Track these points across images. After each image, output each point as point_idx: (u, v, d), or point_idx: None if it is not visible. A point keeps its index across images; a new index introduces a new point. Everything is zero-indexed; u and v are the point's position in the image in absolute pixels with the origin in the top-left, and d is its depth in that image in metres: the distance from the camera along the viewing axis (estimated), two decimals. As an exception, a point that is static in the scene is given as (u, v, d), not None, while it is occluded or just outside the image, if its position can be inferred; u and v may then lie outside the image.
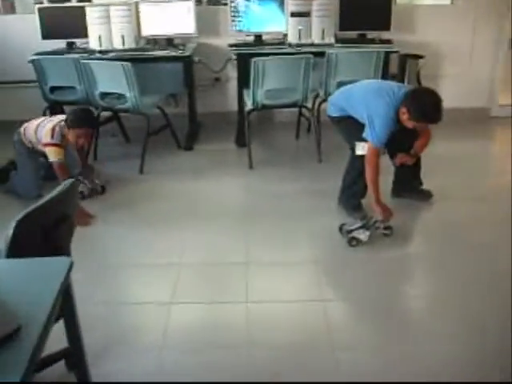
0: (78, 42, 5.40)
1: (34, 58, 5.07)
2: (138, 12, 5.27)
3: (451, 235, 3.71)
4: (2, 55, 5.61)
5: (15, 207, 4.13)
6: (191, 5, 5.26)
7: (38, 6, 5.39)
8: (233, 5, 5.23)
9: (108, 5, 5.13)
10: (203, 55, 5.54)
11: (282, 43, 5.24)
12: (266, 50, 5.09)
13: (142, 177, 4.80)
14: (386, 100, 3.56)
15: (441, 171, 4.64)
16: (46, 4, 5.50)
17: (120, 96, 4.84)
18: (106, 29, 5.16)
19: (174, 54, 5.10)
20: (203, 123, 5.86)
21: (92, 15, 5.13)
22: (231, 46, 5.25)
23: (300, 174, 4.69)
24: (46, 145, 4.15)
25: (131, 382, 2.53)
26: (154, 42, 5.46)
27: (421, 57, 5.56)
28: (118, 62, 4.66)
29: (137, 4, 5.26)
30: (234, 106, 5.49)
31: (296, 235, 3.74)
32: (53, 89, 5.21)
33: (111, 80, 4.76)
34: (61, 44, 5.45)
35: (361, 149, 3.73)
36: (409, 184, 4.21)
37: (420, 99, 3.50)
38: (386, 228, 3.69)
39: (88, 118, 4.25)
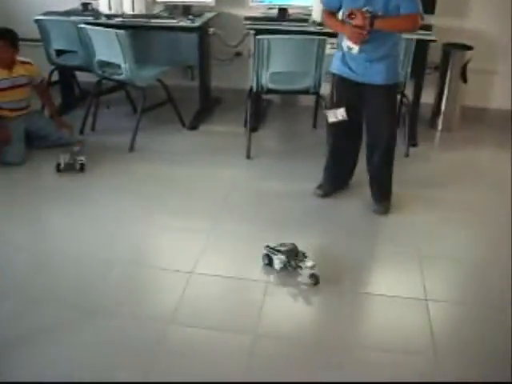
0: (94, 3, 5.04)
1: (39, 17, 4.80)
2: (152, -26, 4.85)
3: None
4: (19, 10, 5.35)
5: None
6: (211, -29, 4.77)
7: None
8: (253, -26, 4.69)
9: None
10: (221, 27, 5.03)
11: (306, 20, 4.64)
12: (282, 26, 4.52)
13: (129, 155, 4.43)
14: None
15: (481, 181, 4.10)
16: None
17: (116, 66, 4.48)
18: (114, -9, 4.77)
19: (182, 23, 4.63)
20: (220, 100, 5.40)
21: (103, -25, 4.76)
22: (247, 18, 4.72)
23: (303, 172, 4.13)
24: None
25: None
26: (171, 8, 5.02)
27: (469, 48, 4.78)
28: (113, 30, 4.26)
29: (152, -35, 4.84)
30: (255, 85, 4.96)
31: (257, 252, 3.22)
32: (60, 52, 4.94)
33: (107, 48, 4.40)
34: (77, 3, 5.13)
35: (332, 115, 3.54)
36: None
37: None
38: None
39: None
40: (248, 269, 3.10)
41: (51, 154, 4.31)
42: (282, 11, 4.77)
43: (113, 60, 4.44)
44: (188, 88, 5.19)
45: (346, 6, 3.35)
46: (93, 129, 4.83)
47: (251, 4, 4.77)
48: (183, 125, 4.89)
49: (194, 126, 4.90)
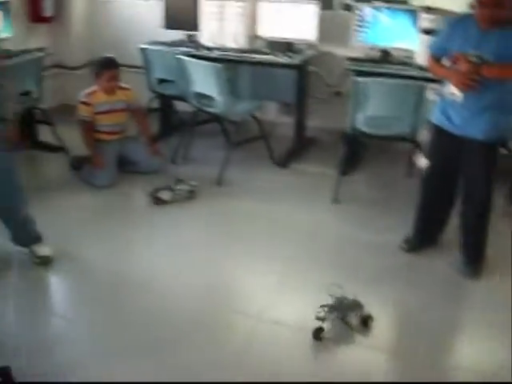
0: (198, 34, 5.08)
1: (143, 46, 4.93)
2: (255, 10, 4.83)
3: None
4: (127, 37, 5.52)
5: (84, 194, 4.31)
6: (315, 8, 4.68)
7: (164, -6, 5.24)
8: (359, 13, 4.55)
9: (224, -1, 4.77)
10: (322, 65, 4.93)
11: (409, 64, 4.42)
12: (383, 68, 4.35)
13: (217, 188, 4.40)
14: None
15: None
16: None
17: (211, 98, 4.49)
18: (218, 25, 4.79)
19: (281, 60, 4.58)
20: (316, 139, 5.26)
21: (206, 9, 4.81)
22: (350, 59, 4.57)
23: (391, 223, 3.88)
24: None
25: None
26: (272, 44, 4.98)
27: None
28: (209, 63, 4.29)
29: (255, 2, 4.82)
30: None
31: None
32: (161, 80, 5.05)
33: (203, 80, 4.43)
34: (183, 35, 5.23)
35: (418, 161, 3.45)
36: None
37: None
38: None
39: (105, 61, 4.47)
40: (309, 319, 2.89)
41: (140, 179, 4.46)
42: (385, 53, 4.59)
43: (208, 92, 4.46)
44: (284, 124, 5.12)
45: (453, 49, 3.12)
46: (185, 158, 4.86)
47: (353, 44, 4.64)
48: (274, 162, 4.80)
49: (284, 164, 4.80)
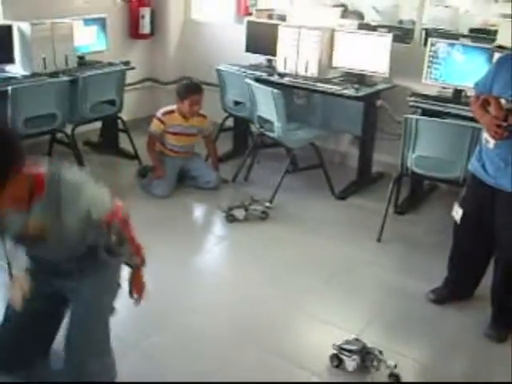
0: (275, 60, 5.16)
1: (219, 68, 5.09)
2: (331, 40, 4.80)
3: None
4: (216, 58, 5.63)
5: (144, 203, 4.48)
6: (388, 41, 4.57)
7: (247, 18, 5.36)
8: (433, 48, 4.36)
9: (300, 27, 4.77)
10: (392, 100, 4.76)
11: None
12: (449, 109, 4.16)
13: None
14: None
15: None
16: (254, 18, 5.43)
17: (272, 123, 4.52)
18: (293, 51, 4.81)
19: (346, 91, 4.51)
20: (383, 175, 5.06)
21: (283, 35, 4.85)
22: (415, 95, 4.40)
23: (429, 269, 3.67)
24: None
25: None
26: (347, 74, 4.91)
27: None
28: (270, 88, 4.34)
29: (333, 32, 4.79)
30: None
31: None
32: (236, 102, 5.16)
33: (265, 105, 4.50)
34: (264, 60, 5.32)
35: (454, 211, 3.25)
36: None
37: None
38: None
39: (191, 86, 4.67)
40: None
41: (196, 192, 4.69)
42: (458, 92, 4.36)
43: (268, 117, 4.51)
44: (354, 156, 5.03)
45: (495, 91, 2.92)
46: (246, 179, 4.93)
47: (424, 81, 4.46)
48: (332, 192, 4.73)
49: (342, 197, 4.71)
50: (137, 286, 2.44)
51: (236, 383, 2.53)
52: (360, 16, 6.27)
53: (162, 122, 4.64)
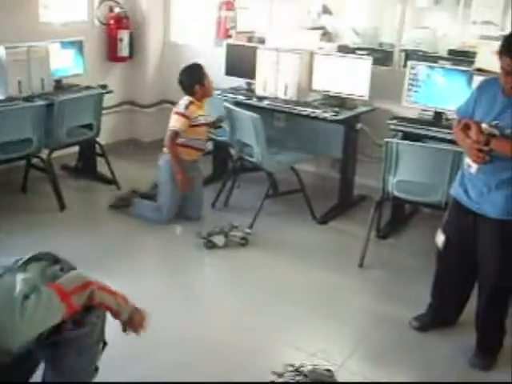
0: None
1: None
2: (311, 63, 4.77)
3: None
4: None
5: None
6: (368, 64, 4.55)
7: (226, 41, 5.33)
8: (412, 71, 4.34)
9: (278, 50, 4.74)
10: (372, 122, 4.74)
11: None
12: (431, 132, 4.13)
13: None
14: None
15: None
16: (233, 41, 5.40)
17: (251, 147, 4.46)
18: (272, 74, 4.78)
19: (325, 114, 4.46)
20: (365, 197, 4.99)
21: (261, 58, 4.82)
22: (395, 118, 4.38)
23: (412, 296, 3.60)
24: (174, 114, 4.39)
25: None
26: (327, 97, 4.88)
27: None
28: (248, 113, 4.29)
29: (312, 54, 4.77)
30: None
31: None
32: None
33: (244, 129, 4.43)
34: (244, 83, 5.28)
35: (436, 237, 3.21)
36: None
37: None
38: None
39: (198, 66, 4.48)
40: None
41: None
42: (438, 115, 4.34)
43: (248, 141, 4.45)
44: (335, 179, 4.97)
45: (477, 115, 2.89)
46: (225, 204, 4.84)
47: (405, 104, 4.44)
48: (313, 217, 4.65)
49: (323, 221, 4.64)
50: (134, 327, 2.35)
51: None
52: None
53: (186, 116, 4.32)
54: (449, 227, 3.14)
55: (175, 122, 4.34)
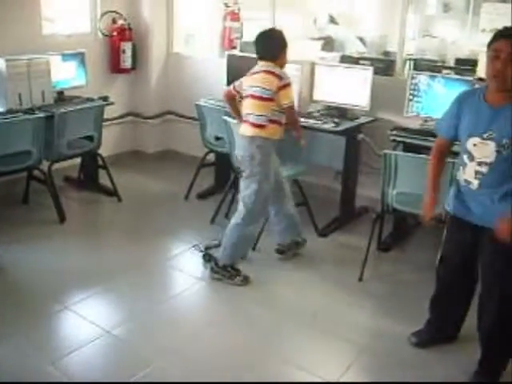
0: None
1: (198, 103, 5.00)
2: (312, 74, 4.72)
3: None
4: (198, 92, 5.58)
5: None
6: (369, 74, 4.49)
7: (228, 52, 5.30)
8: (413, 81, 4.28)
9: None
10: (374, 133, 4.67)
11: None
12: (430, 142, 3.97)
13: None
14: None
15: None
16: (234, 51, 5.36)
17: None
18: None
19: (325, 126, 4.40)
20: (367, 209, 4.91)
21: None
22: (396, 128, 4.31)
23: (411, 310, 3.52)
24: (280, 88, 3.63)
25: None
26: (328, 108, 4.82)
27: None
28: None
29: (313, 65, 4.72)
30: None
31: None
32: (217, 137, 5.06)
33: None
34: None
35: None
36: None
37: None
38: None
39: (281, 34, 3.80)
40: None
41: (173, 229, 4.51)
42: (440, 125, 4.26)
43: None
44: (335, 190, 4.90)
45: (463, 131, 2.81)
46: (226, 216, 4.76)
47: (406, 114, 4.37)
48: (315, 228, 4.59)
49: (324, 234, 4.58)
50: None
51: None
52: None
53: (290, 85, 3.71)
54: (447, 245, 3.07)
55: (290, 95, 3.70)
